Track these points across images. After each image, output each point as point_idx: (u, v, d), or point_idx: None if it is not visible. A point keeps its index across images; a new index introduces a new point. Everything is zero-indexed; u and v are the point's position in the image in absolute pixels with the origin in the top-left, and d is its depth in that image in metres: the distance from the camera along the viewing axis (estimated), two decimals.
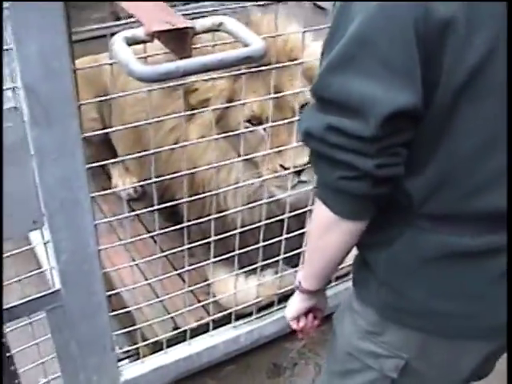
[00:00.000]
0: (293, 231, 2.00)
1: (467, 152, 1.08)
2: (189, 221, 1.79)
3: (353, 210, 1.13)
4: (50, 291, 1.63)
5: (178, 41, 0.99)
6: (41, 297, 1.62)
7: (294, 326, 1.46)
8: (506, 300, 1.18)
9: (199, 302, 2.12)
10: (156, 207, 1.67)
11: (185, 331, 2.05)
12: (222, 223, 1.93)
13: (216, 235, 1.84)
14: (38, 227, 1.52)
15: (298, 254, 2.11)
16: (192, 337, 2.07)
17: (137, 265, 2.01)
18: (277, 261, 2.07)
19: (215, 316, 2.10)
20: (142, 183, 1.79)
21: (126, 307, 1.97)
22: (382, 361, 1.30)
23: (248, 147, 1.81)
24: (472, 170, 1.10)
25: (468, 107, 1.04)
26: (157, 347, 2.05)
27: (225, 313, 2.12)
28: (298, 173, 1.90)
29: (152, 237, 1.90)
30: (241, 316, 2.19)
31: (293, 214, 1.95)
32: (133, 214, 1.78)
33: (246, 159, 1.82)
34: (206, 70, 0.92)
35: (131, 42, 0.95)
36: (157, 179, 1.63)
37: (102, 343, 1.81)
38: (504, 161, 1.09)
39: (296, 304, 1.41)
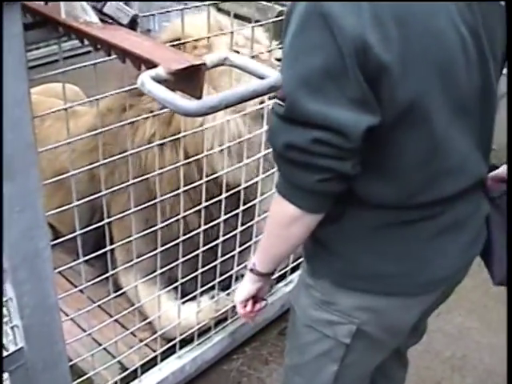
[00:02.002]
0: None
1: (411, 163, 1.25)
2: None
3: (320, 205, 1.27)
4: (13, 350, 1.57)
5: (193, 78, 1.04)
6: (4, 357, 1.56)
7: (242, 310, 1.58)
8: (437, 257, 1.37)
9: (141, 341, 2.11)
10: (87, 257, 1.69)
11: (135, 370, 2.04)
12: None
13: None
14: None
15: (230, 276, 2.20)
16: (142, 372, 2.07)
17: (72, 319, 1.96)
18: (212, 286, 2.14)
19: (159, 351, 2.11)
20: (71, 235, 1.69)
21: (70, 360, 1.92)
22: (336, 328, 1.45)
23: None
24: (416, 175, 1.27)
25: (406, 130, 1.21)
26: None
27: (169, 345, 2.14)
28: None
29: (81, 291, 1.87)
30: (183, 344, 2.22)
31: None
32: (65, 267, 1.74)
33: None
34: (242, 101, 0.98)
35: (156, 81, 0.98)
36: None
37: None
38: (441, 165, 1.28)
39: (248, 286, 1.53)
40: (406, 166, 1.26)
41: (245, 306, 1.57)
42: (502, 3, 1.23)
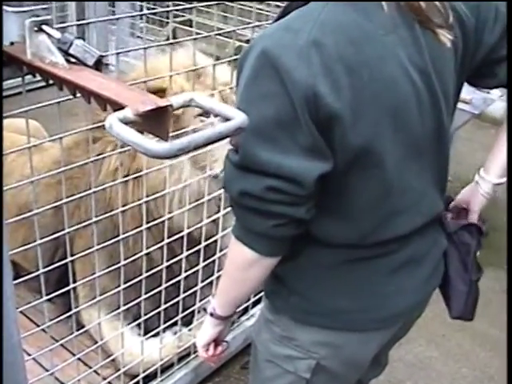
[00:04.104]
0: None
1: (364, 205, 1.29)
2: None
3: (276, 249, 1.30)
4: None
5: (160, 119, 1.06)
6: None
7: (204, 354, 1.58)
8: (394, 293, 1.40)
9: (104, 379, 2.09)
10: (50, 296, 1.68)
11: None
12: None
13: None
14: None
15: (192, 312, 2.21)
16: None
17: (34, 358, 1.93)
18: (175, 322, 2.14)
19: None
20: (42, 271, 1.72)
21: None
22: (296, 363, 1.46)
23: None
24: (369, 216, 1.31)
25: (358, 174, 1.24)
26: None
27: (132, 382, 2.13)
28: None
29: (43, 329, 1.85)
30: (146, 381, 2.20)
31: None
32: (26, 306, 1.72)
33: (194, 162, 1.97)
34: (209, 143, 1.00)
35: (124, 122, 1.00)
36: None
37: None
38: (395, 206, 1.31)
39: (208, 330, 1.52)
40: (359, 208, 1.29)
41: (207, 350, 1.57)
42: (449, 45, 1.27)
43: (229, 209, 2.07)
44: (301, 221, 1.23)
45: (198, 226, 2.03)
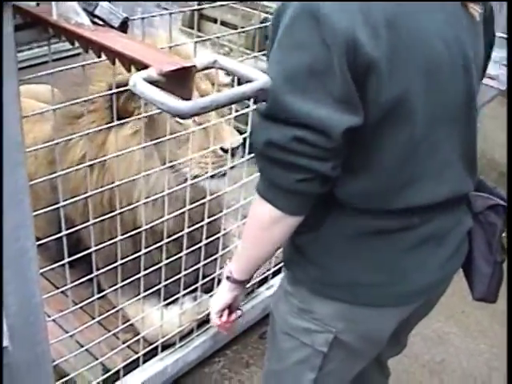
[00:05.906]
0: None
1: (390, 163, 1.27)
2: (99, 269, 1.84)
3: (300, 207, 1.28)
4: None
5: (183, 80, 1.06)
6: None
7: (217, 321, 1.58)
8: (415, 269, 1.40)
9: (123, 342, 2.12)
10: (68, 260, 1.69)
11: (117, 371, 2.05)
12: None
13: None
14: None
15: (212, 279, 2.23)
16: (125, 374, 2.08)
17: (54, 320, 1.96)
18: (195, 288, 2.16)
19: (141, 352, 2.12)
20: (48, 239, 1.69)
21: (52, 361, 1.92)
22: (313, 336, 1.46)
23: (173, 146, 1.89)
24: (394, 176, 1.29)
25: (388, 130, 1.23)
26: None
27: (150, 347, 2.15)
28: (233, 154, 2.00)
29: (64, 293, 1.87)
30: (165, 346, 2.24)
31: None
32: (46, 268, 1.74)
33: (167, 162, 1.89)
34: (232, 103, 1.00)
35: (148, 81, 1.00)
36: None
37: None
38: (420, 167, 1.30)
39: (224, 295, 1.53)
40: (384, 166, 1.27)
41: (220, 316, 1.57)
42: (478, 18, 1.27)
43: None
44: (326, 177, 1.21)
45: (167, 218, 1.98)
